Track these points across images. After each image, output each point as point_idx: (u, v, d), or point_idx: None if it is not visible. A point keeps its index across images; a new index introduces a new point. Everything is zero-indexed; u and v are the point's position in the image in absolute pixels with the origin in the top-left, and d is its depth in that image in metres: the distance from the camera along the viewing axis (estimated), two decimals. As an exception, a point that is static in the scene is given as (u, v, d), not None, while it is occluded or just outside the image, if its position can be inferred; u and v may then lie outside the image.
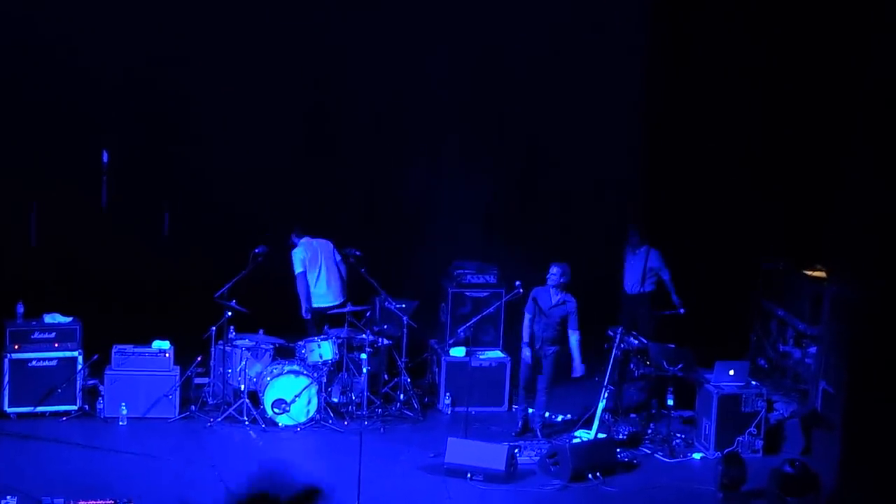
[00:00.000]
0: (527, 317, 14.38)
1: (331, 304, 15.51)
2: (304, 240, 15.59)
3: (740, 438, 14.02)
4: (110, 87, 16.77)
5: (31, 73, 16.47)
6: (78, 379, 14.51)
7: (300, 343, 14.94)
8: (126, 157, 17.26)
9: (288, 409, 14.44)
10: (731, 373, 14.17)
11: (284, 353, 15.08)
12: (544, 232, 17.45)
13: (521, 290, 14.56)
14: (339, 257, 15.60)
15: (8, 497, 11.78)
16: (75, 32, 16.43)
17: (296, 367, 14.57)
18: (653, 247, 16.32)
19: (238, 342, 14.94)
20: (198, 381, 15.13)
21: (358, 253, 15.17)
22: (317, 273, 15.51)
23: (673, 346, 14.59)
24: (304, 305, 15.47)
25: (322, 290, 15.52)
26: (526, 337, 14.36)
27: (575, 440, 13.93)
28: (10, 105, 16.40)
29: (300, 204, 17.23)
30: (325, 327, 15.26)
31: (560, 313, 14.28)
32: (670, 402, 14.37)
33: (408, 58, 17.42)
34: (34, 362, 14.44)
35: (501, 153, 18.05)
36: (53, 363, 14.48)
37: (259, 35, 17.09)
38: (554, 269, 14.28)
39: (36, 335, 14.49)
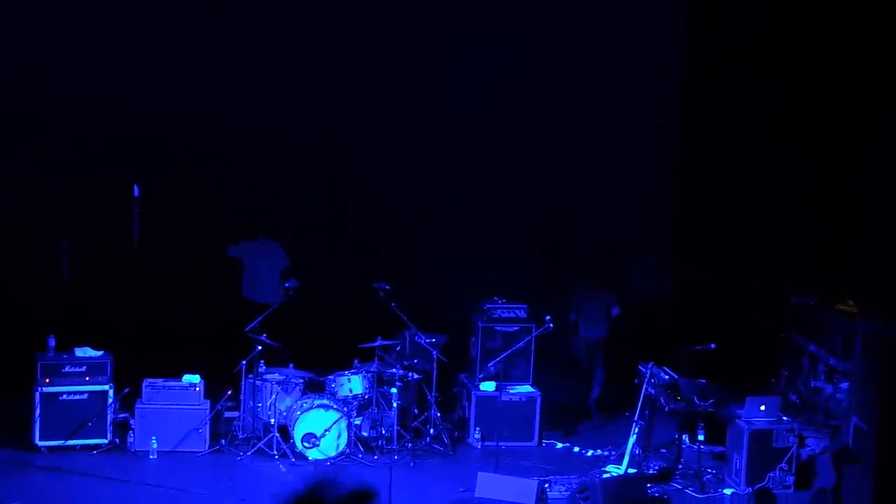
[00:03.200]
0: None
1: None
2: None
3: (771, 474, 13.95)
4: (141, 122, 16.84)
5: (61, 109, 16.51)
6: (108, 412, 14.55)
7: (330, 377, 14.96)
8: (157, 191, 17.30)
9: (318, 443, 14.44)
10: (763, 408, 14.12)
11: (314, 388, 15.10)
12: (573, 268, 17.46)
13: (552, 326, 14.62)
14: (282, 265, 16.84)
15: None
16: (104, 69, 16.50)
17: (325, 402, 14.59)
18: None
19: (268, 376, 14.96)
20: (228, 414, 15.16)
21: (388, 287, 15.16)
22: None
23: (704, 381, 14.56)
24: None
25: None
26: None
27: (605, 475, 13.88)
28: (41, 141, 16.50)
29: (330, 238, 17.32)
30: (355, 361, 15.23)
31: None
32: (701, 438, 14.33)
33: (437, 95, 17.52)
34: (65, 396, 14.50)
35: (528, 192, 18.08)
36: (84, 397, 14.54)
37: (293, 82, 17.22)
38: None
39: (67, 369, 14.56)
